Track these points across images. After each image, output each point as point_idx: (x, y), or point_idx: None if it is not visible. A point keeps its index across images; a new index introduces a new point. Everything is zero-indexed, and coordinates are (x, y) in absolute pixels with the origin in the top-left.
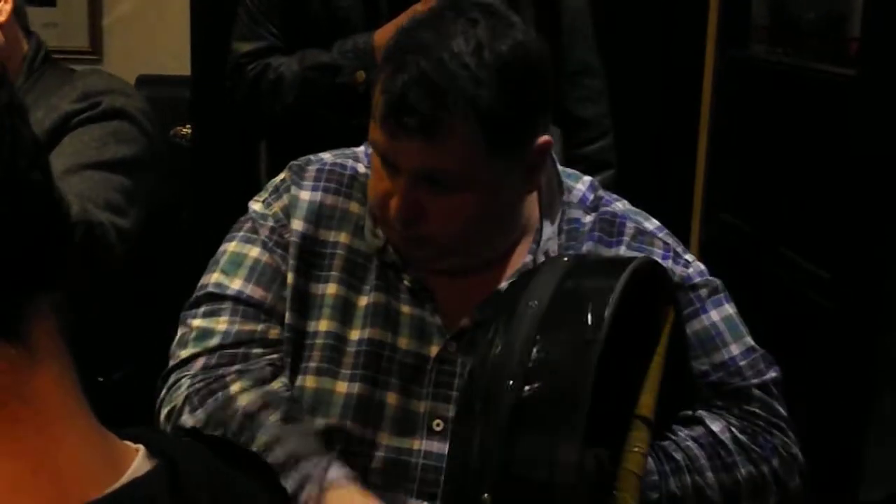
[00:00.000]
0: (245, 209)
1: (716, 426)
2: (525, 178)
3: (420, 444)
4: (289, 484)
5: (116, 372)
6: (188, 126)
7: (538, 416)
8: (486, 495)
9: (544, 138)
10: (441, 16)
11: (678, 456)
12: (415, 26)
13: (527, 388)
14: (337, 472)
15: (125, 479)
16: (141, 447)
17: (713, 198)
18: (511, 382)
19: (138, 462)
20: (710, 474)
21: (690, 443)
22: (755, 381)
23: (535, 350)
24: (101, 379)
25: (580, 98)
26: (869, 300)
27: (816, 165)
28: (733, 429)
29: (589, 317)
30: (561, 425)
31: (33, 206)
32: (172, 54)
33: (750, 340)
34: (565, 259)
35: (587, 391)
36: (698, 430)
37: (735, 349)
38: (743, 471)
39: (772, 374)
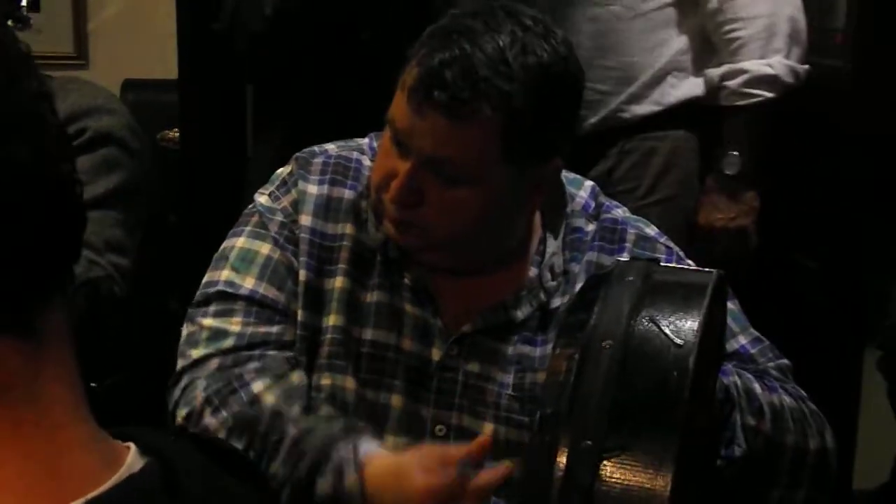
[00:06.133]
0: (232, 213)
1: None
2: (529, 194)
3: None
4: (328, 475)
5: (108, 378)
6: (175, 130)
7: (617, 482)
8: None
9: (557, 162)
10: (493, 11)
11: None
12: (465, 14)
13: (605, 456)
14: (367, 446)
15: (120, 475)
16: (131, 445)
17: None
18: (590, 443)
19: (131, 459)
20: (756, 385)
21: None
22: (771, 364)
23: (614, 406)
24: (93, 385)
25: None
26: (858, 290)
27: (803, 156)
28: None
29: (675, 373)
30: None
31: (59, 197)
32: (159, 58)
33: (755, 332)
34: (630, 279)
35: (672, 456)
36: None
37: (743, 339)
38: (786, 398)
39: (783, 360)
